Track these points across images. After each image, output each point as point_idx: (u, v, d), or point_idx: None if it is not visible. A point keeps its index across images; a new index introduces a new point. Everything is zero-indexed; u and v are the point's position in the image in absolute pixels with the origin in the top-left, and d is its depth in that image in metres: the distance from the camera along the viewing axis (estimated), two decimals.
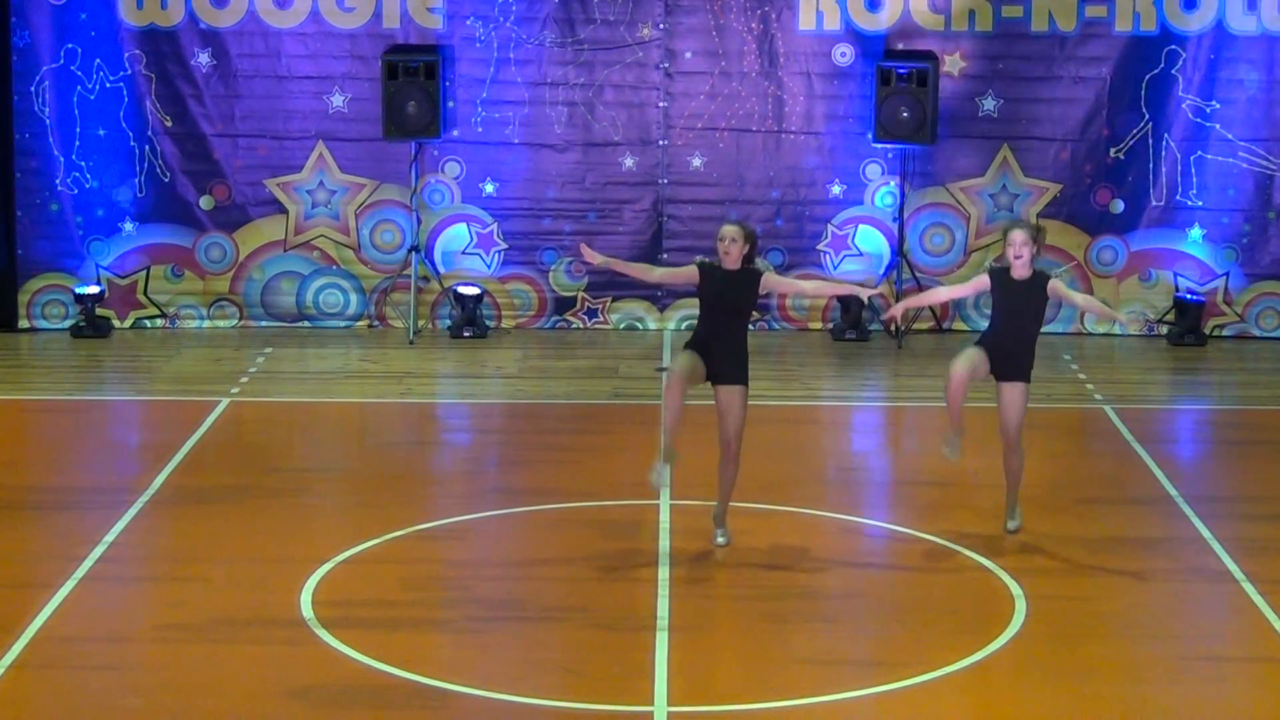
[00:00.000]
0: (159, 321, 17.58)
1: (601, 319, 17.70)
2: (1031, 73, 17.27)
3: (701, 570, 11.17)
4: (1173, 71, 17.18)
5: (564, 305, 17.69)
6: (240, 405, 14.95)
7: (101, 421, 15.00)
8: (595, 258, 11.31)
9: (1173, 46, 17.13)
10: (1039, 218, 17.36)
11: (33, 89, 17.10)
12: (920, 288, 17.23)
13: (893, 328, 17.10)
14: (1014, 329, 11.35)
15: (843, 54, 17.28)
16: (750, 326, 11.34)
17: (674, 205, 17.53)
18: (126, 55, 17.10)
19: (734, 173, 17.49)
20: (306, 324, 17.60)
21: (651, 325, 17.70)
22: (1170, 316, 17.46)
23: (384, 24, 17.21)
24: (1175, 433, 15.02)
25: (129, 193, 17.33)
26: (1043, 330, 11.62)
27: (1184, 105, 17.21)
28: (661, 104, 17.41)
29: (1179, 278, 17.48)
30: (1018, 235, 11.31)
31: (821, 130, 17.41)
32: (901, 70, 16.90)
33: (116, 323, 17.48)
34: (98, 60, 17.08)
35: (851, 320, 17.30)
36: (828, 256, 17.55)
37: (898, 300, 17.12)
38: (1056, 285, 11.40)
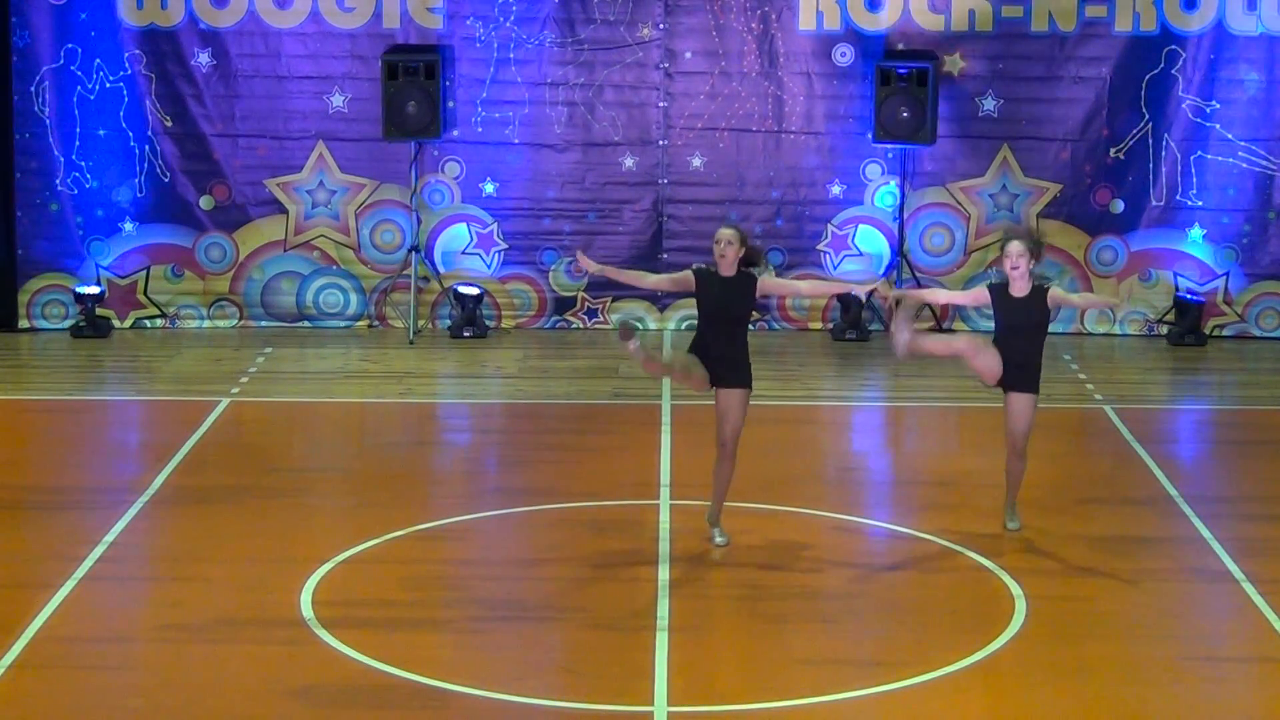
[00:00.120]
0: (159, 321, 17.58)
1: (601, 319, 17.71)
2: (1031, 73, 17.27)
3: (701, 570, 11.17)
4: (1173, 71, 17.18)
5: (564, 305, 17.70)
6: (240, 405, 14.95)
7: (101, 421, 15.00)
8: (591, 266, 11.36)
9: (1173, 46, 17.13)
10: (1039, 218, 17.36)
11: (33, 89, 17.11)
12: (920, 288, 17.24)
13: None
14: (1019, 343, 11.35)
15: (843, 54, 17.28)
16: (750, 327, 11.36)
17: (674, 205, 17.53)
18: (126, 55, 17.10)
19: (734, 173, 17.49)
20: (306, 324, 17.60)
21: (651, 325, 17.70)
22: (1170, 316, 17.46)
23: (384, 24, 17.21)
24: (1175, 433, 15.02)
25: (129, 193, 17.33)
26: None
27: (1184, 105, 17.21)
28: (661, 104, 17.41)
29: (1179, 278, 17.47)
30: (1014, 247, 11.31)
31: (821, 130, 17.41)
32: (901, 70, 16.90)
33: (116, 323, 17.48)
34: (98, 60, 17.08)
35: (851, 320, 17.30)
36: (828, 256, 17.55)
37: (897, 300, 17.15)
38: (1055, 293, 11.42)
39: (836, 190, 17.52)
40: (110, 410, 15.36)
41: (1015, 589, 10.79)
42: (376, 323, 17.63)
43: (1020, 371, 11.35)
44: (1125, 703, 9.33)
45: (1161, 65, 17.16)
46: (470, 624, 10.34)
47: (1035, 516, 11.92)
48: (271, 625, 10.18)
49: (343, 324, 17.62)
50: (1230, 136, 17.23)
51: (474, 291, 17.35)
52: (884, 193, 17.46)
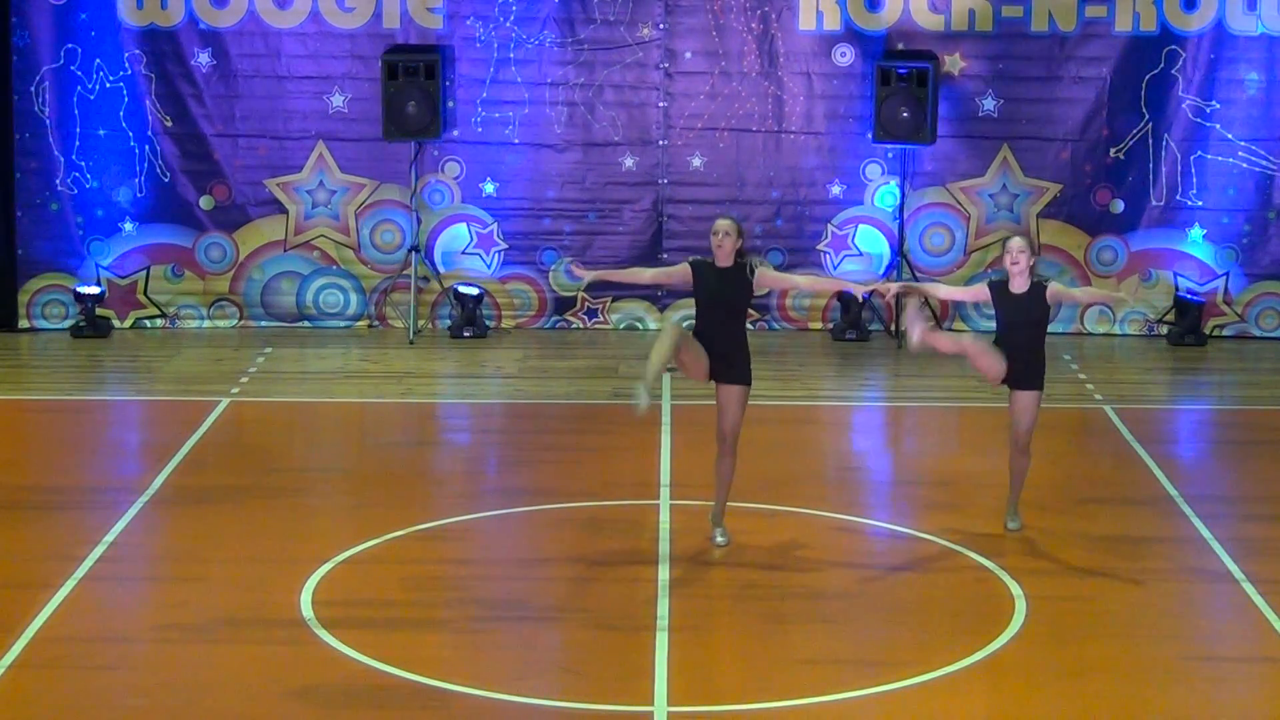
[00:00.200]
0: (159, 321, 17.58)
1: (601, 319, 17.71)
2: (1031, 73, 17.27)
3: (701, 570, 11.17)
4: (1173, 71, 17.18)
5: (564, 305, 17.70)
6: (240, 405, 14.95)
7: (101, 421, 15.00)
8: (587, 275, 11.41)
9: (1173, 46, 17.13)
10: (1039, 218, 17.37)
11: (33, 89, 17.11)
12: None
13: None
14: (1020, 340, 11.37)
15: (843, 54, 17.28)
16: (750, 326, 11.37)
17: (674, 205, 17.53)
18: (126, 55, 17.10)
19: (734, 173, 17.49)
20: (306, 324, 17.60)
21: (651, 325, 17.70)
22: (1170, 316, 17.46)
23: (384, 24, 17.21)
24: (1175, 433, 15.02)
25: (129, 193, 17.33)
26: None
27: (1184, 105, 17.22)
28: (661, 104, 17.41)
29: (1179, 278, 17.47)
30: (1015, 243, 11.36)
31: (821, 130, 17.41)
32: (901, 70, 16.90)
33: (116, 323, 17.48)
34: (98, 60, 17.08)
35: (851, 320, 17.30)
36: (828, 256, 17.55)
37: (896, 299, 17.16)
38: (1056, 289, 11.43)
39: (836, 190, 17.52)
40: (110, 410, 15.36)
41: (1016, 589, 10.79)
42: (376, 323, 17.63)
43: (1023, 368, 11.36)
44: (1125, 703, 9.33)
45: (1161, 65, 17.16)
46: (470, 624, 10.34)
47: (1036, 516, 11.92)
48: (271, 625, 10.18)
49: (343, 324, 17.62)
50: (1230, 136, 17.23)
51: (474, 291, 17.35)
52: (884, 193, 17.46)
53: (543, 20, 17.22)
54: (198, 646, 9.91)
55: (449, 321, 17.44)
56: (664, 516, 12.00)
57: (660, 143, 17.46)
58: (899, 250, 17.31)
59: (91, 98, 17.14)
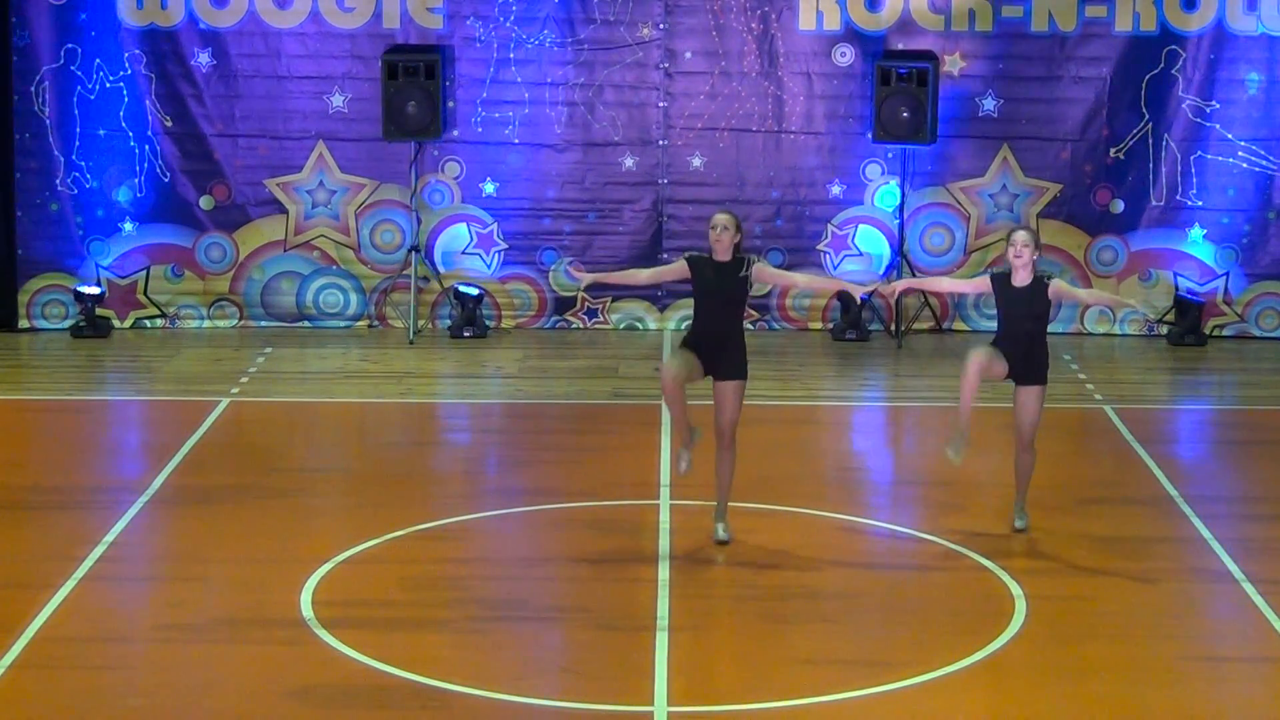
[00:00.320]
0: (159, 321, 17.58)
1: (601, 319, 17.71)
2: (1031, 73, 17.28)
3: (701, 570, 11.17)
4: (1173, 71, 17.18)
5: (564, 305, 17.70)
6: (240, 405, 14.95)
7: (101, 421, 15.00)
8: (585, 278, 11.43)
9: (1173, 46, 17.13)
10: (1039, 218, 17.36)
11: (33, 89, 17.11)
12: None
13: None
14: (1021, 333, 11.39)
15: (843, 54, 17.28)
16: (750, 326, 11.40)
17: (674, 205, 17.53)
18: (126, 55, 17.10)
19: (734, 173, 17.50)
20: (306, 324, 17.60)
21: (651, 325, 17.71)
22: (1170, 316, 17.46)
23: (384, 24, 17.21)
24: (1175, 433, 15.02)
25: (129, 193, 17.33)
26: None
27: (1184, 105, 17.22)
28: (661, 104, 17.41)
29: (1179, 278, 17.47)
30: (1020, 235, 11.39)
31: (821, 130, 17.41)
32: (901, 70, 16.90)
33: (116, 323, 17.48)
34: (98, 60, 17.08)
35: (851, 320, 17.30)
36: (828, 256, 17.55)
37: (896, 298, 17.18)
38: (1060, 286, 11.44)
39: (836, 190, 17.52)
40: (110, 410, 15.36)
41: (1016, 589, 10.78)
42: (376, 323, 17.63)
43: (1025, 363, 11.38)
44: (1125, 703, 9.32)
45: (1161, 65, 17.16)
46: (470, 624, 10.34)
47: (1036, 516, 11.92)
48: (271, 625, 10.18)
49: (343, 324, 17.62)
50: (1230, 136, 17.24)
51: (474, 291, 17.35)
52: (884, 193, 17.46)
53: (543, 20, 17.22)
54: (198, 646, 9.90)
55: (449, 321, 17.44)
56: (664, 516, 12.00)
57: (660, 143, 17.46)
58: (899, 250, 17.31)
59: (91, 98, 17.14)
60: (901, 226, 17.33)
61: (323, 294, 17.63)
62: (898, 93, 16.87)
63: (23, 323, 17.41)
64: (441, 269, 17.54)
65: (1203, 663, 9.90)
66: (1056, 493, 12.58)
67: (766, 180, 17.49)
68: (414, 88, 16.83)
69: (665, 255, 17.31)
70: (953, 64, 17.23)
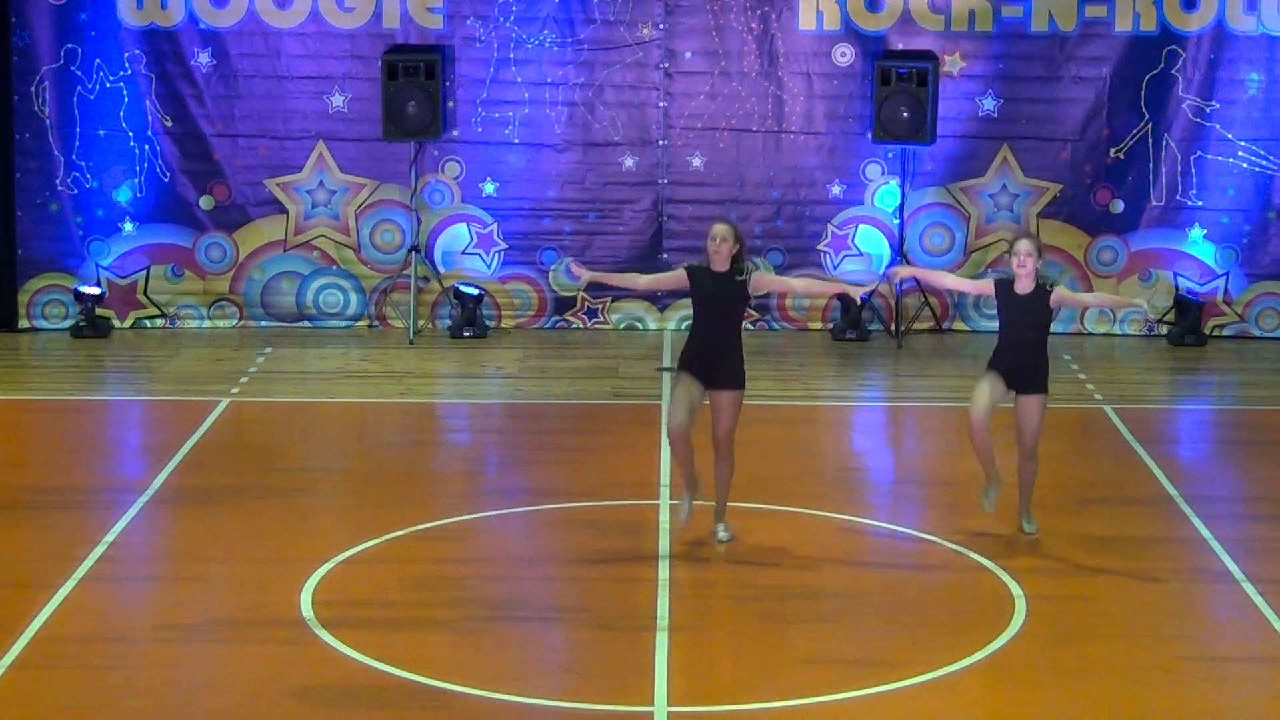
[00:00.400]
0: (159, 321, 17.58)
1: (601, 319, 17.71)
2: (1031, 73, 17.27)
3: (701, 570, 11.17)
4: (1173, 71, 17.18)
5: (564, 305, 17.69)
6: (240, 405, 14.95)
7: (101, 421, 15.00)
8: (584, 276, 11.43)
9: (1173, 46, 17.13)
10: (1039, 218, 17.37)
11: (33, 89, 17.11)
12: (920, 287, 17.26)
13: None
14: (1023, 341, 11.41)
15: (843, 54, 17.28)
16: (750, 326, 11.41)
17: (674, 205, 17.53)
18: (126, 55, 17.10)
19: (734, 173, 17.49)
20: (306, 324, 17.60)
21: (651, 325, 17.71)
22: (1170, 316, 17.46)
23: (384, 24, 17.21)
24: (1175, 433, 15.02)
25: (129, 193, 17.33)
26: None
27: (1184, 105, 17.21)
28: (661, 104, 17.41)
29: (1179, 278, 17.47)
30: (1023, 245, 11.37)
31: (821, 130, 17.41)
32: (901, 70, 16.90)
33: (116, 323, 17.48)
34: (98, 60, 17.08)
35: (851, 320, 17.30)
36: (828, 256, 17.54)
37: (896, 299, 17.18)
38: (1061, 293, 11.44)
39: (836, 190, 17.52)
40: (110, 410, 15.36)
41: (1015, 589, 10.79)
42: (376, 323, 17.63)
43: (1026, 371, 11.40)
44: (1125, 703, 9.32)
45: (1161, 65, 17.16)
46: (470, 624, 10.34)
47: (1036, 516, 11.90)
48: (271, 625, 10.18)
49: (343, 324, 17.62)
50: (1230, 136, 17.23)
51: (474, 291, 17.35)
52: (884, 193, 17.46)
53: (543, 20, 17.22)
54: (198, 646, 9.90)
55: (449, 321, 17.44)
56: (664, 516, 12.00)
57: (660, 143, 17.46)
58: (899, 250, 17.30)
59: (91, 98, 17.14)
60: (901, 226, 17.33)
61: (323, 294, 17.63)
62: (898, 93, 16.87)
63: (23, 323, 17.41)
64: (441, 269, 17.54)
65: (1203, 663, 9.90)
66: (1057, 493, 12.58)
67: (766, 180, 17.48)
68: (414, 88, 16.83)
69: (665, 255, 17.31)
70: (953, 64, 17.23)
